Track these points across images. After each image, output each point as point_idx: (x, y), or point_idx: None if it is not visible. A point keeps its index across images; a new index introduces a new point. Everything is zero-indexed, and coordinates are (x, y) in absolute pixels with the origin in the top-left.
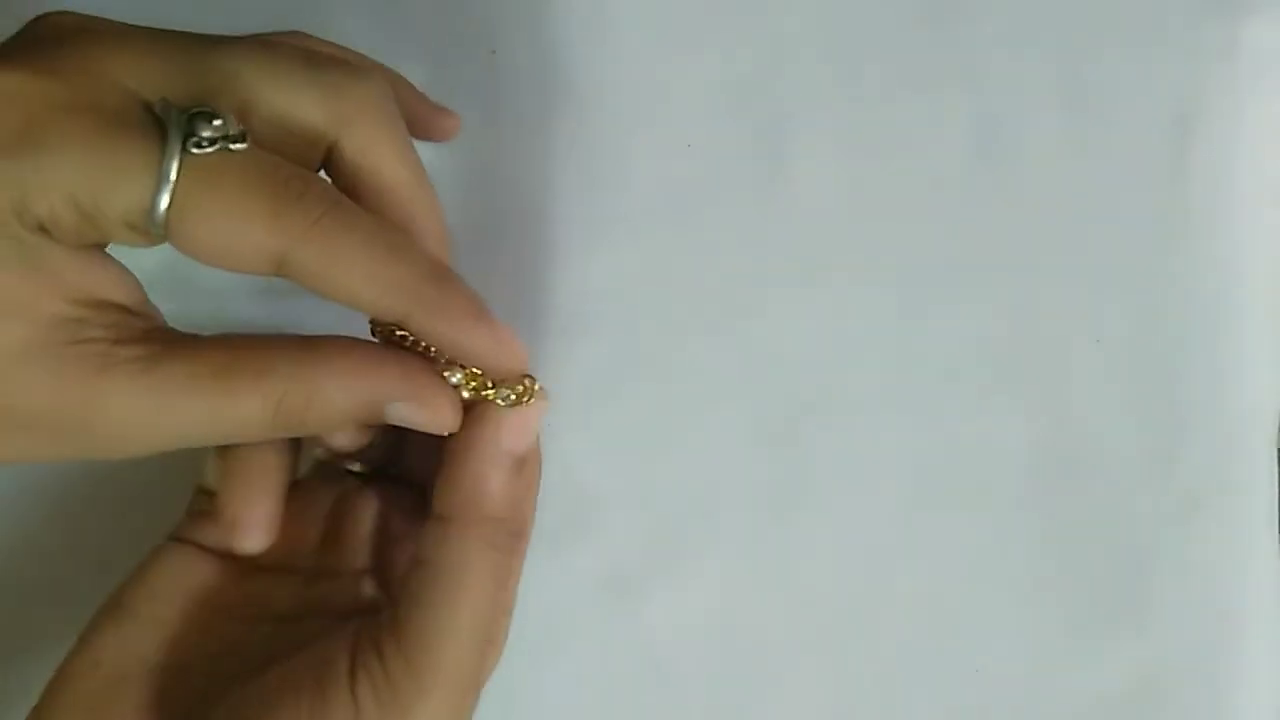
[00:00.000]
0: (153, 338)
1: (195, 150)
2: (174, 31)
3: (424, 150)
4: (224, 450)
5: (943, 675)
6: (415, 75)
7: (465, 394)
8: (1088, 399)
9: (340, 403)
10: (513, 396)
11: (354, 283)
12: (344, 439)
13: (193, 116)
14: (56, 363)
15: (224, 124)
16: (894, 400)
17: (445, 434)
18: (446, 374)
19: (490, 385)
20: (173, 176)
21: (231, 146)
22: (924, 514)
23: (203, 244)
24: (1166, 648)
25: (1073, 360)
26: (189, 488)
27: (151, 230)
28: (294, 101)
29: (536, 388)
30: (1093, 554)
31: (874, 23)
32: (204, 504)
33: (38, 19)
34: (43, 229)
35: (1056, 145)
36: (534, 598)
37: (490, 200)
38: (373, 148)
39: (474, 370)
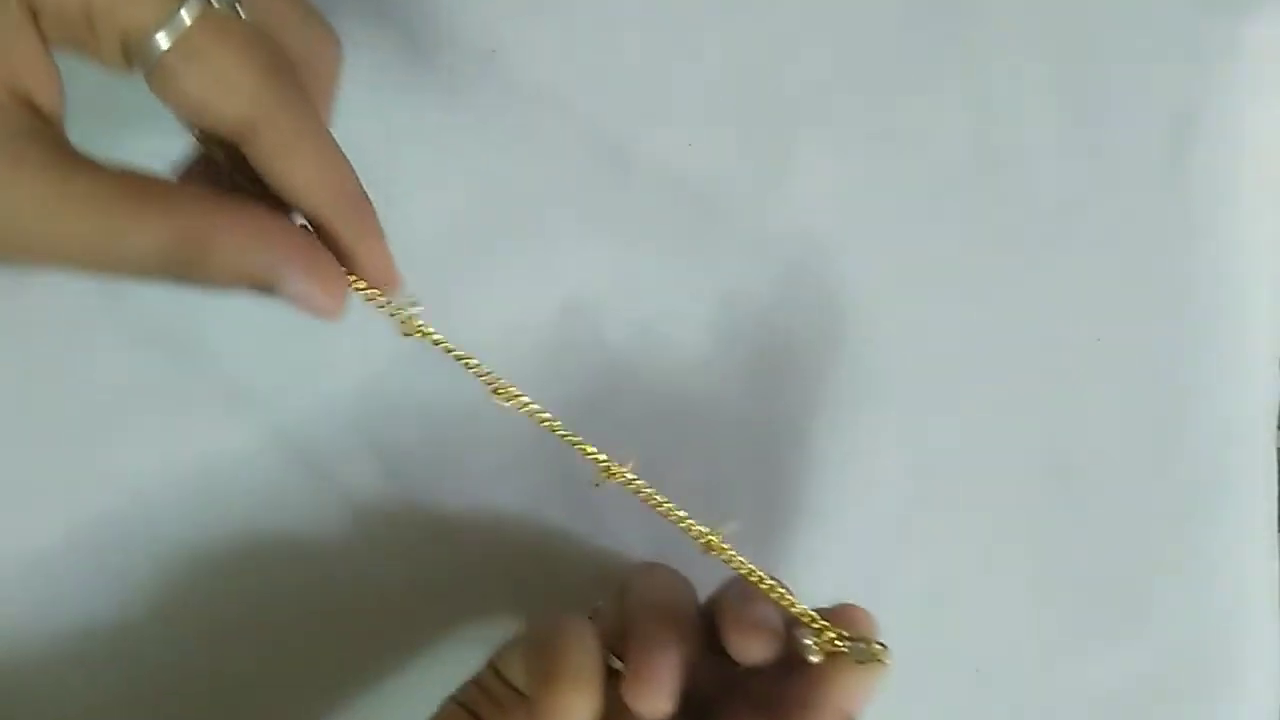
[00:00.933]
0: (65, 148)
1: (215, 2)
2: None
3: (424, 148)
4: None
5: (943, 675)
6: (415, 76)
7: (818, 653)
8: (1088, 399)
9: (237, 259)
10: (864, 654)
11: (300, 173)
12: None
13: None
14: None
15: None
16: (894, 400)
17: (328, 321)
18: (807, 640)
19: (841, 640)
20: (189, 14)
21: (235, 9)
22: (924, 514)
23: (185, 92)
24: (1166, 648)
25: (1073, 360)
26: None
27: (141, 58)
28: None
29: (883, 650)
30: (1092, 554)
31: (874, 23)
32: (498, 689)
33: None
34: (32, 8)
35: (1056, 145)
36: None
37: (490, 200)
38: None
39: (833, 632)
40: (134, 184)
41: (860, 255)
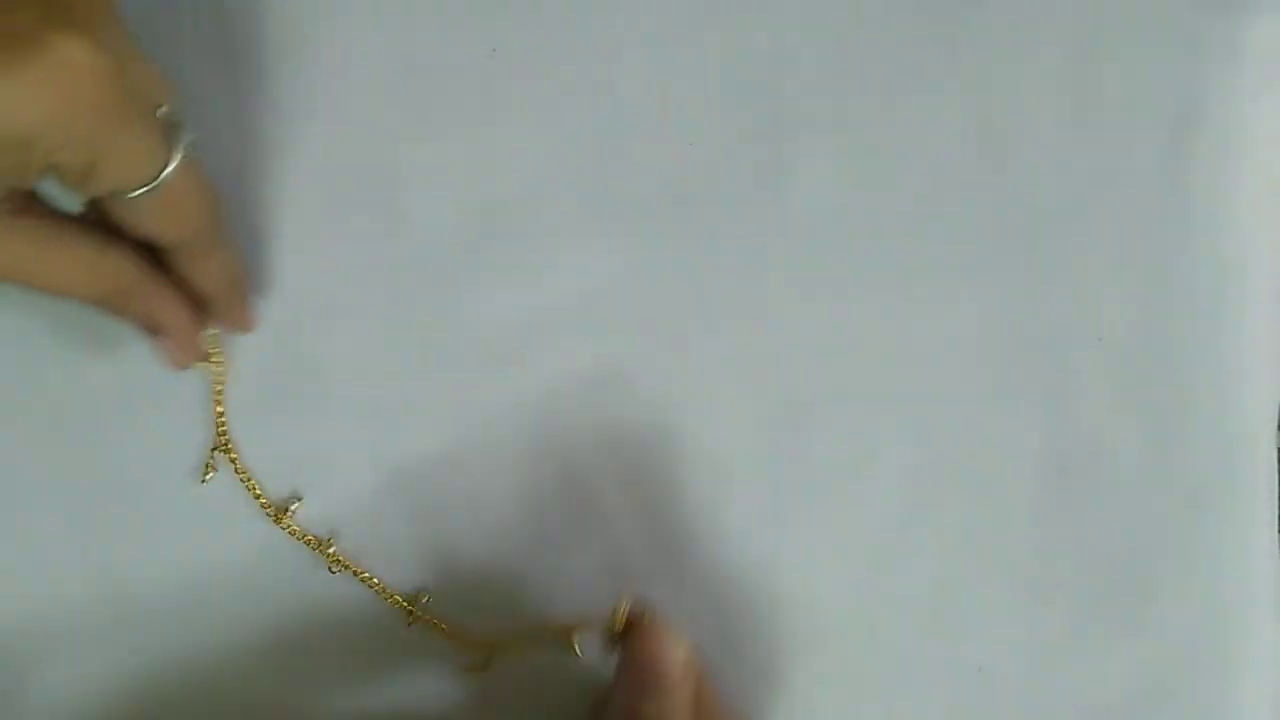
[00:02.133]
0: (51, 217)
1: (185, 159)
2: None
3: (424, 148)
4: None
5: (945, 675)
6: (416, 76)
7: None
8: (1089, 398)
9: (139, 316)
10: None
11: (212, 272)
12: None
13: (178, 125)
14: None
15: (194, 136)
16: (895, 399)
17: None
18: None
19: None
20: (168, 176)
21: (191, 154)
22: (925, 514)
23: (138, 222)
24: (1167, 647)
25: (1074, 359)
26: None
27: (110, 197)
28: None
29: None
30: (1094, 553)
31: (874, 23)
32: None
33: None
34: (49, 165)
35: (1058, 145)
36: (543, 597)
37: (491, 200)
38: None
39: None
40: (94, 253)
41: (860, 255)
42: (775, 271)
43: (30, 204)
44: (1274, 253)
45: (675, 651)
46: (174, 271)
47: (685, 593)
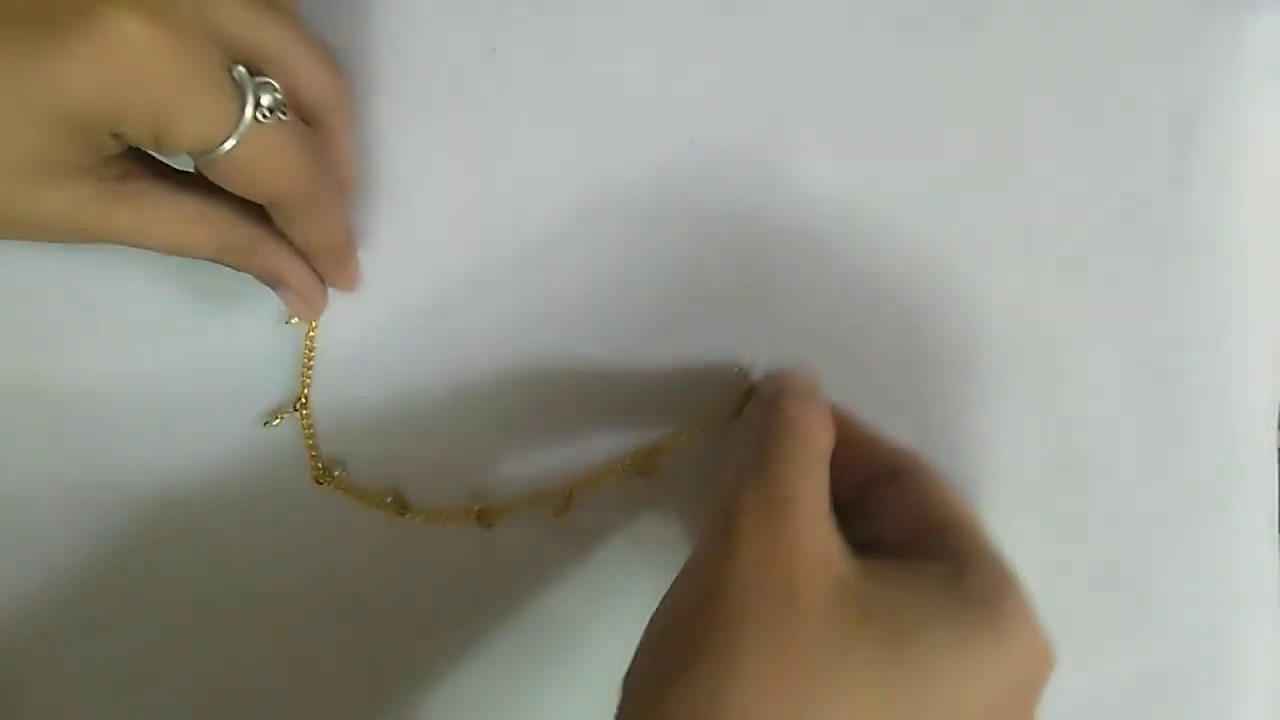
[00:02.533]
0: (169, 175)
1: (260, 119)
2: None
3: (424, 148)
4: None
5: None
6: (416, 76)
7: None
8: (1089, 398)
9: (259, 269)
10: None
11: (311, 236)
12: None
13: (259, 85)
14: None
15: (281, 97)
16: (895, 399)
17: (302, 318)
18: None
19: None
20: (239, 138)
21: (281, 116)
22: None
23: (229, 178)
24: (1168, 647)
25: (1074, 359)
26: None
27: (198, 162)
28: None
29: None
30: (1093, 554)
31: (875, 22)
32: None
33: None
34: (115, 135)
35: (1058, 145)
36: (541, 598)
37: (491, 199)
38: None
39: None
40: (205, 210)
41: (860, 255)
42: (775, 271)
43: (134, 168)
44: (1274, 253)
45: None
46: (281, 227)
47: None
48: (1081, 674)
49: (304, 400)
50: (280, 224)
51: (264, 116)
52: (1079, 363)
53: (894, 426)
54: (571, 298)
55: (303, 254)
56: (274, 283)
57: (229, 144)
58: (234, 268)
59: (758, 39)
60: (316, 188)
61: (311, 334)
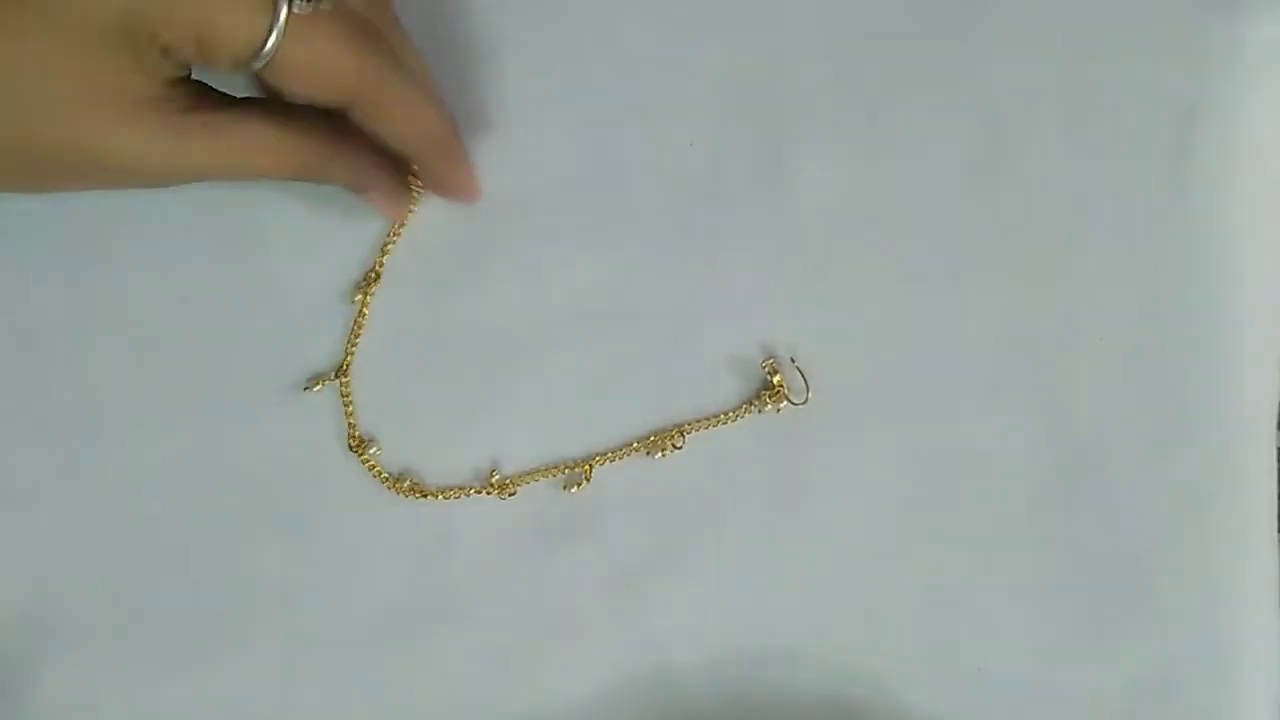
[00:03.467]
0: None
1: (297, 10)
2: None
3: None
4: None
5: (944, 675)
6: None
7: None
8: (1089, 398)
9: (342, 178)
10: None
11: (393, 127)
12: None
13: None
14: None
15: None
16: (895, 399)
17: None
18: None
19: None
20: (279, 33)
21: (321, 5)
22: (925, 514)
23: (292, 84)
24: (1167, 646)
25: (1074, 359)
26: None
27: (251, 67)
28: None
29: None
30: (1093, 552)
31: (874, 22)
32: None
33: None
34: (165, 52)
35: (1057, 144)
36: (538, 598)
37: (491, 199)
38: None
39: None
40: (275, 130)
41: (860, 255)
42: (775, 272)
43: (200, 101)
44: (1274, 253)
45: None
46: (364, 131)
47: (684, 594)
48: (1083, 673)
49: (344, 369)
50: (364, 126)
51: (300, 6)
52: (1079, 363)
53: (894, 426)
54: (588, 296)
55: (402, 157)
56: (359, 190)
57: (271, 41)
58: (315, 182)
59: (758, 39)
60: (382, 77)
61: (365, 308)
